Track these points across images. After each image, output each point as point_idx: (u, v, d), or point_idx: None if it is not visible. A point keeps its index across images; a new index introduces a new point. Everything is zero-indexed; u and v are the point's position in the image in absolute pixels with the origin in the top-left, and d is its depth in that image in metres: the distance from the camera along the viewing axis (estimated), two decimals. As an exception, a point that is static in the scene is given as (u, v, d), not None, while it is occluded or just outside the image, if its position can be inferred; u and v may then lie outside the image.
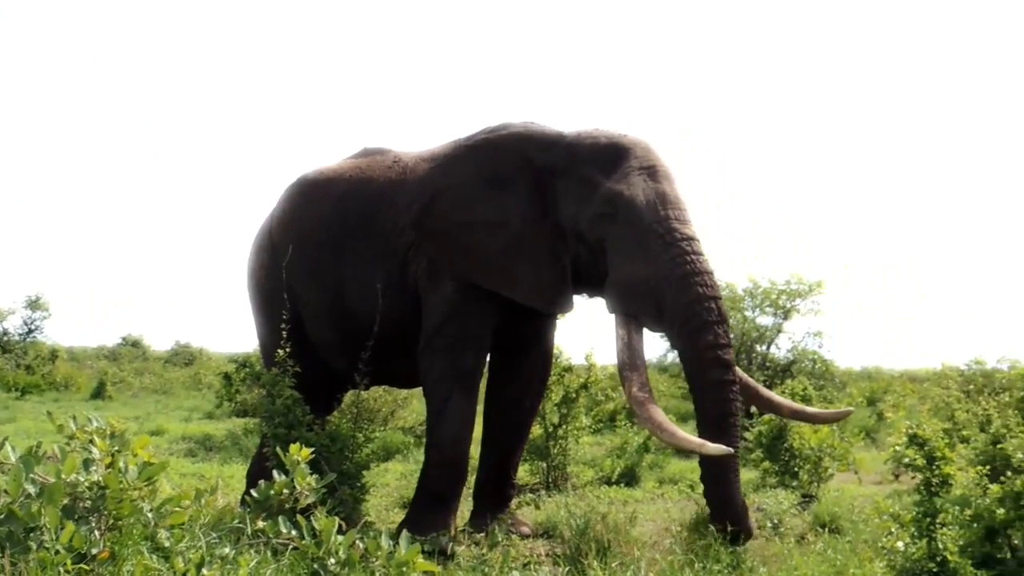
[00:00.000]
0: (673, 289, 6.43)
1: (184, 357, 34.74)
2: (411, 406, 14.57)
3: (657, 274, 6.50)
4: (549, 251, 6.99)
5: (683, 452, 12.90)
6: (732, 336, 6.69)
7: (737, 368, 6.70)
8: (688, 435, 6.26)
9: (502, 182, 7.07)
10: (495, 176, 7.09)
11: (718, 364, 6.33)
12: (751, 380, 7.05)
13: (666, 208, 6.62)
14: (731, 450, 6.05)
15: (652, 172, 6.78)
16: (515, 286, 6.92)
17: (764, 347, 16.41)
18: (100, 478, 3.87)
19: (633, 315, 6.70)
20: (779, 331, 16.37)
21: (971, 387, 15.30)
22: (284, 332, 7.12)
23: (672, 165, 6.99)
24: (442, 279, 7.03)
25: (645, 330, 6.76)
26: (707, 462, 6.32)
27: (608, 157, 6.86)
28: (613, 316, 6.81)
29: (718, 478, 6.31)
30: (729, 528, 6.09)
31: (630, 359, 6.62)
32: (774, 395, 7.30)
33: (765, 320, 16.40)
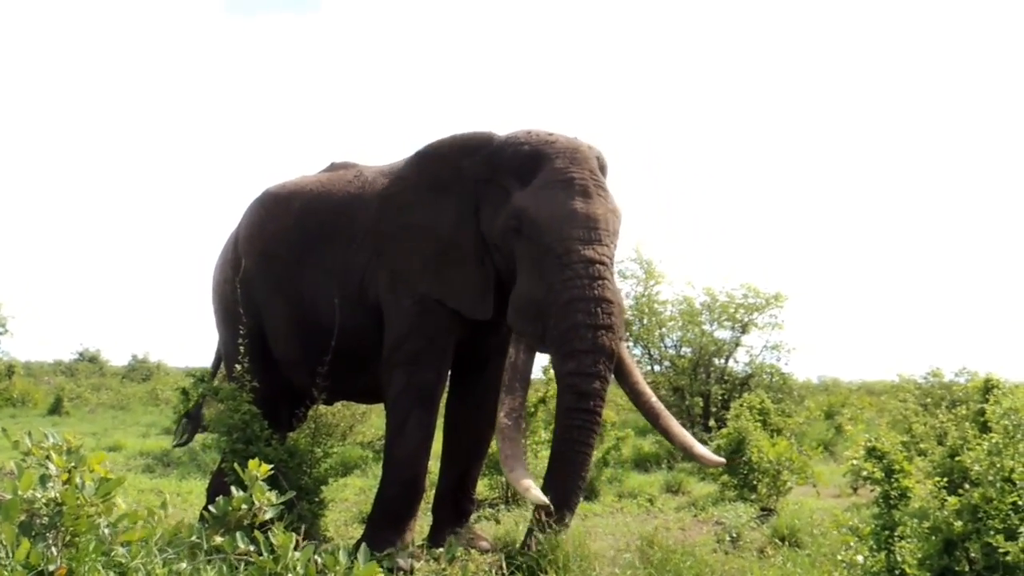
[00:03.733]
0: (556, 314, 6.33)
1: (142, 372, 34.43)
2: (370, 420, 14.56)
3: (546, 296, 6.39)
4: (476, 258, 6.93)
5: (641, 467, 13.06)
6: (606, 367, 6.34)
7: (644, 387, 6.72)
8: (522, 478, 6.16)
9: (440, 188, 7.04)
10: (434, 182, 7.06)
11: (571, 391, 6.29)
12: (656, 403, 6.88)
13: (572, 227, 6.38)
14: (546, 502, 5.97)
15: (567, 185, 6.50)
16: (447, 291, 6.88)
17: (722, 361, 16.45)
18: (57, 494, 3.85)
19: (522, 334, 6.67)
20: (737, 345, 16.41)
21: (928, 400, 15.43)
22: (242, 347, 7.11)
23: (600, 176, 6.72)
24: (402, 293, 7.00)
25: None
26: (556, 460, 6.40)
27: (527, 166, 6.68)
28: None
29: (561, 472, 6.34)
30: (551, 508, 6.02)
31: (510, 380, 6.55)
32: (673, 424, 6.89)
33: (723, 334, 16.44)
